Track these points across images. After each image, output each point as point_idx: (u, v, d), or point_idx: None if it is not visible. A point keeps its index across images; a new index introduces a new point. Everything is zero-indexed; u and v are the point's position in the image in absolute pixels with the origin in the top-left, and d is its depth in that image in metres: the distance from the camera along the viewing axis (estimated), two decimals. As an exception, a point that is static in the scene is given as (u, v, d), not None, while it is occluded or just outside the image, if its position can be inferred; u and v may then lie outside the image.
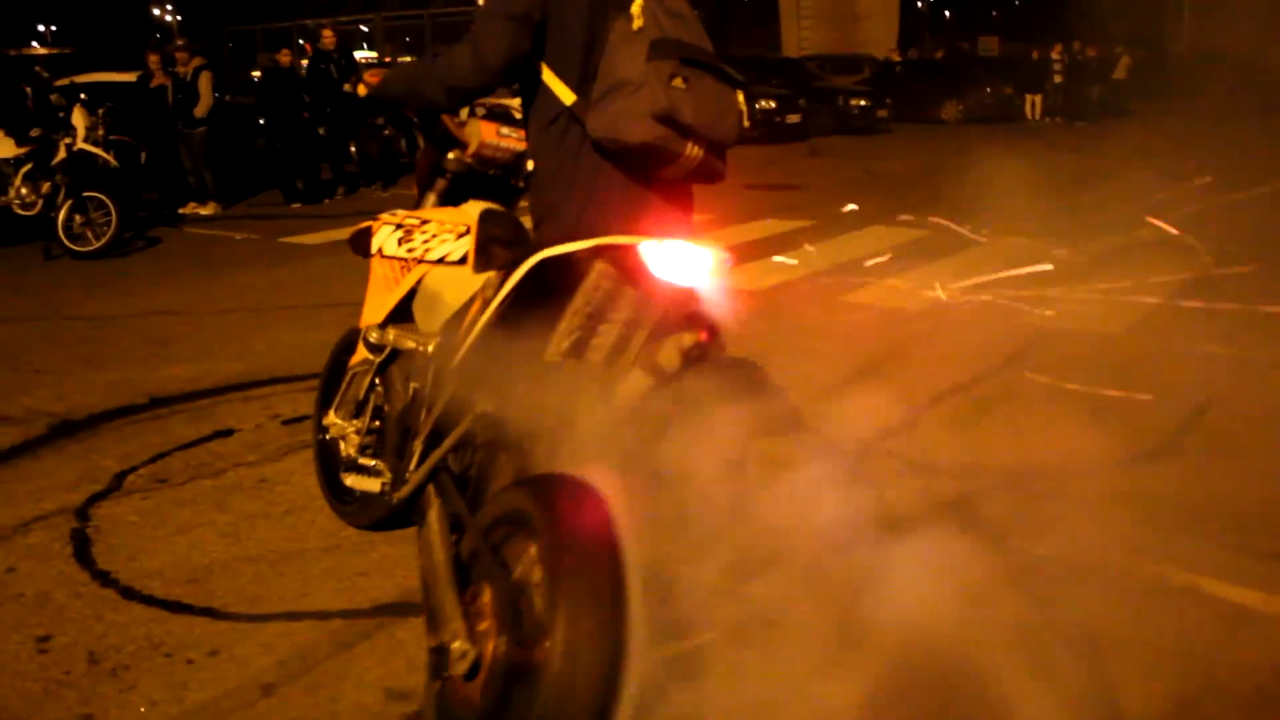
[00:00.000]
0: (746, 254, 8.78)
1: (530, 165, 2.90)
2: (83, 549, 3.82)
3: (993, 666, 2.93)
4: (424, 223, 3.16)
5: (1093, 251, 8.41)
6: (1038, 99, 24.74)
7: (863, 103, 22.17)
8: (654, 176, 2.75)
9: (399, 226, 3.22)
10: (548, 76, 2.76)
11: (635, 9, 2.64)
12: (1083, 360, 5.75)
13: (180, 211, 12.60)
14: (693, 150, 2.68)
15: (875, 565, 3.46)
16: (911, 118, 23.38)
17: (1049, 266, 8.03)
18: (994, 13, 51.99)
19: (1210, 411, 4.94)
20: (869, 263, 8.37)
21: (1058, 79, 24.93)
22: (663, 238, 2.48)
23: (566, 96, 2.73)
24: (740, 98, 2.79)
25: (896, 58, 28.77)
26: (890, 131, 21.51)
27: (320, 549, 3.76)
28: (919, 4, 49.61)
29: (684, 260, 2.46)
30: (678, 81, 2.60)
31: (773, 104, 19.56)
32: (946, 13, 54.89)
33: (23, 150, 10.40)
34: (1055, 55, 25.19)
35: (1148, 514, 3.84)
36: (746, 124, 2.82)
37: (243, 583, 3.53)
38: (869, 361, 5.79)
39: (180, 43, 15.31)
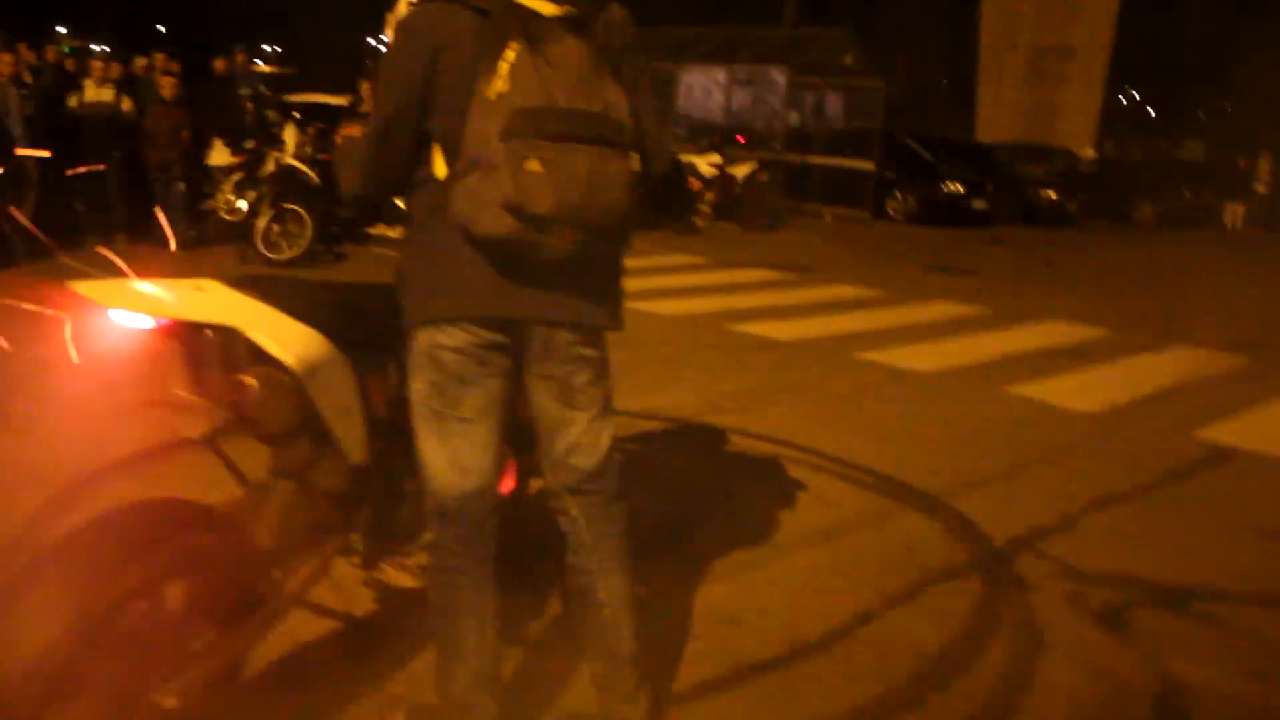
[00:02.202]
0: (914, 335, 8.68)
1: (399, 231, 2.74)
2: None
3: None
4: None
5: (1283, 372, 8.01)
6: (1239, 208, 23.75)
7: (1052, 195, 21.68)
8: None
9: None
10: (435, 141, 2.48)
11: (503, 67, 2.26)
12: (1259, 482, 5.47)
13: (369, 231, 13.12)
14: (559, 241, 2.30)
15: (1007, 660, 3.37)
16: (1103, 215, 22.72)
17: (1230, 382, 7.70)
18: (1201, 115, 50.21)
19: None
20: (1041, 356, 8.16)
21: (1262, 188, 23.90)
22: (543, 315, 2.46)
23: (440, 168, 2.43)
24: (636, 161, 2.36)
25: (1092, 154, 28.06)
26: (1079, 227, 20.95)
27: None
28: (1122, 100, 48.32)
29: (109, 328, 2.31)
30: (533, 164, 2.23)
31: (960, 188, 19.31)
32: (1151, 110, 53.33)
33: (236, 160, 11.04)
34: (1263, 163, 24.18)
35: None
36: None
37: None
38: (1029, 457, 5.64)
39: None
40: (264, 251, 10.37)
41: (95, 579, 2.13)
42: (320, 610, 2.97)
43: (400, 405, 2.75)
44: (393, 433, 2.73)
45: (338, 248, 11.65)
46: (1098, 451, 5.85)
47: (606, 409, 2.67)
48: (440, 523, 2.62)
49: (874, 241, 15.84)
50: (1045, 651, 3.49)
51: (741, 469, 5.25)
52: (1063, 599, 3.89)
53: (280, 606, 2.60)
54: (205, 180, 11.47)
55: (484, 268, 2.42)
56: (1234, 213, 23.86)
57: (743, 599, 3.74)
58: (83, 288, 2.32)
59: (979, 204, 19.45)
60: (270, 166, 10.70)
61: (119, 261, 2.47)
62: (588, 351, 2.59)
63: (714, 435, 5.67)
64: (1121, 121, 44.33)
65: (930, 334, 8.79)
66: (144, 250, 10.82)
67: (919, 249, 15.07)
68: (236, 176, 10.95)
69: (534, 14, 2.33)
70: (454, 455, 2.55)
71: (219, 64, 12.92)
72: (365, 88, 13.39)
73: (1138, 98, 51.99)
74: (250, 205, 10.78)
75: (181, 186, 11.06)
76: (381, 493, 2.83)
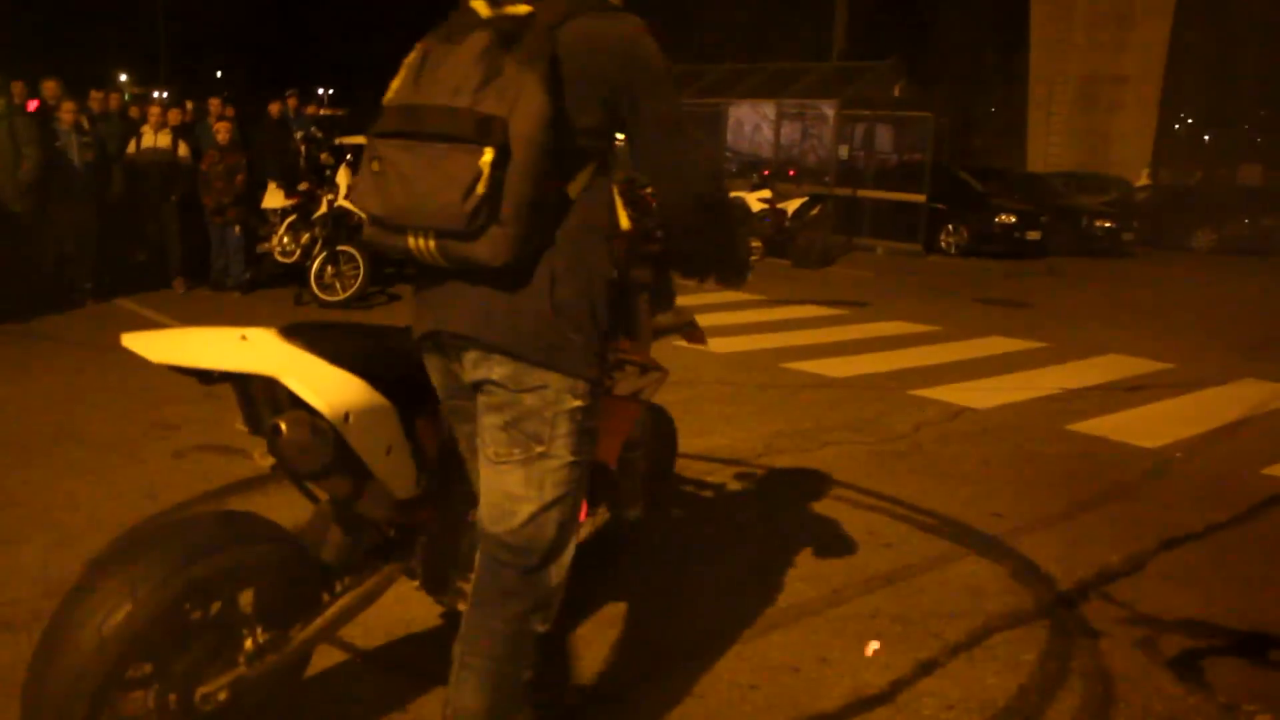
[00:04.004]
0: (972, 371, 8.55)
1: None
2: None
3: None
4: None
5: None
6: (1302, 232, 23.29)
7: (1108, 224, 21.37)
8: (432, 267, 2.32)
9: None
10: None
11: (407, 59, 2.27)
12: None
13: (422, 271, 13.22)
14: (418, 243, 2.21)
15: (1078, 712, 3.26)
16: (1160, 244, 22.39)
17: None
18: (1258, 139, 49.45)
19: None
20: (1101, 391, 8.01)
21: (1325, 212, 23.44)
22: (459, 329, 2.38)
23: None
24: (486, 157, 2.09)
25: (1147, 181, 27.71)
26: (1135, 256, 20.65)
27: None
28: (1176, 126, 47.76)
29: None
30: (374, 164, 2.22)
31: (1013, 219, 19.10)
32: (1206, 137, 52.68)
33: (290, 202, 11.17)
34: (1325, 189, 23.75)
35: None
36: (513, 188, 2.12)
37: (438, 643, 3.60)
38: (1093, 496, 5.51)
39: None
40: (318, 293, 10.47)
41: (163, 573, 2.36)
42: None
43: (452, 443, 2.83)
44: (443, 469, 2.85)
45: (391, 289, 11.73)
46: (1164, 489, 5.70)
47: (531, 465, 2.33)
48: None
49: (927, 275, 15.69)
50: (1118, 703, 3.37)
51: (800, 512, 5.17)
52: (1134, 646, 3.77)
53: (336, 616, 2.76)
54: (260, 223, 11.63)
55: (419, 290, 2.45)
56: (1295, 237, 23.38)
57: (803, 646, 3.67)
58: (129, 340, 2.49)
59: (1033, 235, 19.20)
60: (323, 209, 10.81)
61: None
62: (501, 392, 2.32)
63: (771, 477, 5.60)
64: (1176, 148, 43.81)
65: (988, 369, 8.66)
66: (202, 293, 11.00)
67: (973, 282, 14.90)
68: (291, 219, 11.08)
69: (469, 15, 2.27)
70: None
71: (273, 108, 13.11)
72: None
73: (1192, 123, 51.38)
74: (304, 247, 10.90)
75: (238, 230, 11.20)
76: (436, 523, 2.93)
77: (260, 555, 2.57)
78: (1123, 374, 8.71)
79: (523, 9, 2.20)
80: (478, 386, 2.37)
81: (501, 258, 2.15)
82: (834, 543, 4.66)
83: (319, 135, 13.78)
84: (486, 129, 2.09)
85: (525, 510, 2.34)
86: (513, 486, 2.34)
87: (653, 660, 3.10)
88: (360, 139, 15.57)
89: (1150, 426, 6.97)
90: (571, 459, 2.35)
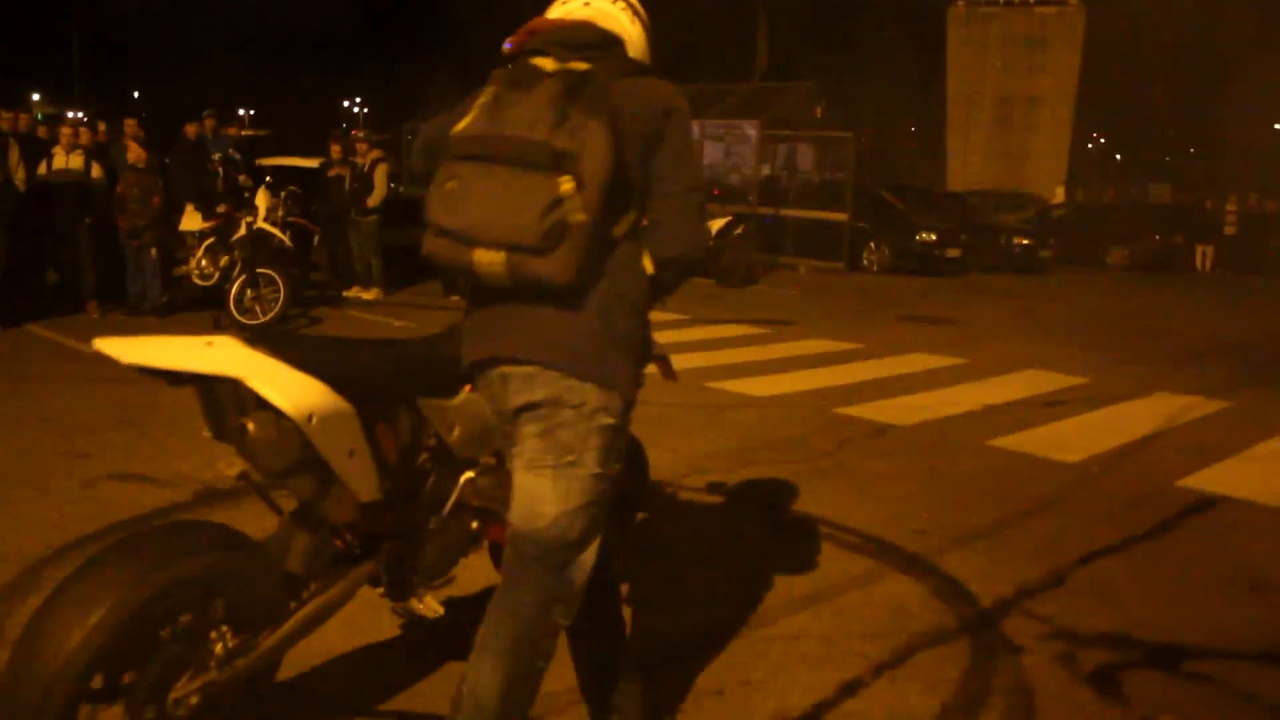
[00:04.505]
0: (894, 388, 8.64)
1: None
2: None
3: None
4: None
5: (1266, 415, 8.01)
6: (1209, 249, 24.00)
7: (1025, 241, 21.83)
8: (489, 287, 2.49)
9: None
10: None
11: (474, 107, 2.50)
12: (1246, 530, 5.43)
13: (345, 294, 13.07)
14: (485, 256, 2.38)
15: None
16: (1075, 260, 22.92)
17: (1210, 427, 7.68)
18: (1166, 159, 50.87)
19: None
20: (1020, 406, 8.13)
21: (1230, 230, 24.16)
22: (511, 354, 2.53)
23: None
24: (563, 185, 2.32)
25: (1061, 198, 28.37)
26: (1052, 272, 21.09)
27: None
28: (1089, 146, 48.99)
29: None
30: (451, 184, 2.42)
31: (934, 237, 19.40)
32: (1118, 156, 54.07)
33: (208, 225, 10.96)
34: (1230, 206, 24.47)
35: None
36: (581, 217, 2.33)
37: (356, 675, 3.54)
38: (1013, 511, 5.58)
39: (360, 134, 16.04)
40: (238, 316, 10.28)
41: (131, 580, 2.41)
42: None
43: (413, 450, 2.94)
44: (405, 475, 2.93)
45: (313, 311, 11.58)
46: (1082, 503, 5.80)
47: (560, 473, 2.52)
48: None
49: (850, 293, 15.87)
50: (1039, 718, 3.40)
51: (724, 533, 5.17)
52: (1054, 661, 3.82)
53: (302, 622, 2.79)
54: (178, 245, 11.40)
55: (472, 317, 2.62)
56: (1204, 255, 24.09)
57: (726, 670, 3.65)
58: (100, 344, 2.55)
59: (953, 252, 19.53)
60: (242, 231, 10.63)
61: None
62: (543, 408, 2.51)
63: (695, 499, 5.59)
64: (1090, 167, 44.88)
65: (910, 386, 8.75)
66: (117, 317, 10.74)
67: (895, 300, 15.11)
68: (209, 241, 10.88)
69: (534, 68, 2.48)
70: None
71: (190, 129, 12.88)
72: (335, 150, 13.36)
73: (1104, 143, 52.72)
74: (223, 270, 10.70)
75: (154, 252, 10.97)
76: (400, 528, 2.99)
77: (225, 562, 2.61)
78: (1041, 389, 8.86)
79: (583, 66, 2.47)
80: (521, 410, 2.54)
81: (565, 276, 2.36)
82: (757, 563, 4.66)
83: (237, 157, 13.57)
84: (562, 160, 2.34)
85: (551, 514, 2.52)
86: (542, 491, 2.53)
87: (570, 688, 3.05)
88: (281, 160, 15.43)
89: (1068, 441, 7.09)
90: (599, 470, 2.55)
